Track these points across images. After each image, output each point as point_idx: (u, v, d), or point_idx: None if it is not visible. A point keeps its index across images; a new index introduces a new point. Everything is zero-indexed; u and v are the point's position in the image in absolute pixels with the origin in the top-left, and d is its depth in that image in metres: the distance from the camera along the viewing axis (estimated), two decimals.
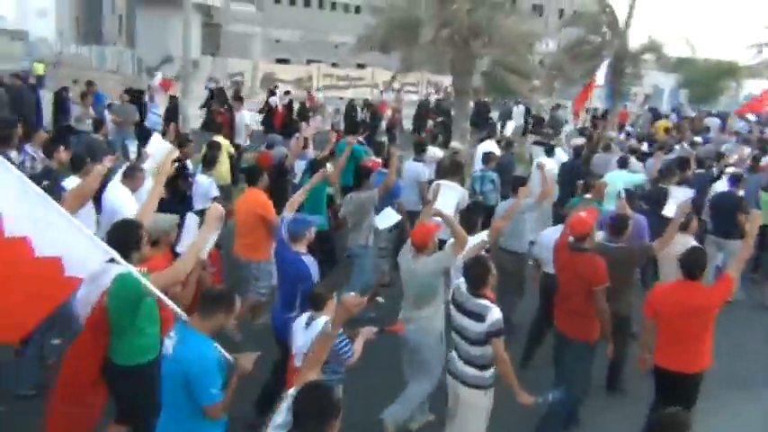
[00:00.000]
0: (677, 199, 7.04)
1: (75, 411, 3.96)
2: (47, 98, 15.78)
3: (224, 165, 9.22)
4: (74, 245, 3.48)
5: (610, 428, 5.59)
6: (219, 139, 9.66)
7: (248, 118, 13.70)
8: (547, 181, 7.08)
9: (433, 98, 26.74)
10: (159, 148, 8.02)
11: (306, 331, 4.14)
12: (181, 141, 8.47)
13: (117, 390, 4.07)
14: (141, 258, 3.99)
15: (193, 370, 3.27)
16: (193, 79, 17.74)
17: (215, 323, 3.43)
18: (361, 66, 32.64)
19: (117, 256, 3.65)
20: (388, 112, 20.78)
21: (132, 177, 6.10)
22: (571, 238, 5.15)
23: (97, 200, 5.88)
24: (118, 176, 6.17)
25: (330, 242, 7.84)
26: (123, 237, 3.93)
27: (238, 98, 15.31)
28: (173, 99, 15.96)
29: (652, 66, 24.23)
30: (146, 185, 6.03)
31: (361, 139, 11.00)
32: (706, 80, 37.17)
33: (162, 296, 3.68)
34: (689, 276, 4.64)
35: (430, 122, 20.31)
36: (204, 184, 7.42)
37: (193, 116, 16.27)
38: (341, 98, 24.67)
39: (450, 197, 6.68)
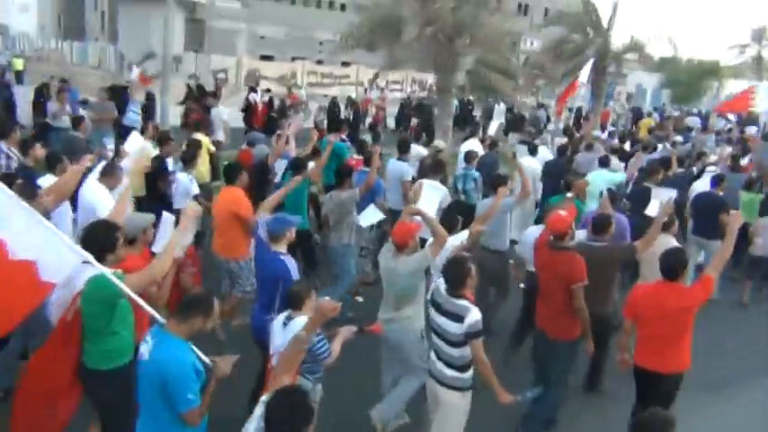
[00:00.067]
0: (660, 199, 7.05)
1: (40, 416, 3.86)
2: (23, 93, 15.54)
3: (204, 163, 9.12)
4: (48, 249, 3.43)
5: (587, 430, 5.57)
6: (199, 136, 9.55)
7: (225, 114, 13.50)
8: (525, 180, 7.05)
9: (415, 96, 26.74)
10: (137, 147, 7.96)
11: (284, 331, 4.07)
12: (161, 139, 8.38)
13: (93, 394, 3.99)
14: (116, 260, 3.90)
15: (170, 375, 3.21)
16: (174, 76, 17.53)
17: (192, 327, 3.36)
18: (345, 63, 32.58)
19: (91, 258, 3.59)
20: (372, 110, 20.74)
21: (110, 175, 6.02)
22: (551, 237, 5.13)
23: (73, 198, 5.79)
24: (95, 174, 6.07)
25: (310, 242, 7.79)
26: (99, 238, 3.85)
27: (212, 94, 15.14)
28: (149, 96, 15.75)
29: (635, 65, 24.43)
30: (123, 183, 5.95)
31: (343, 136, 10.94)
32: (689, 80, 37.67)
33: (138, 299, 3.61)
34: (669, 277, 4.63)
35: (414, 120, 20.31)
36: (185, 183, 7.35)
37: (173, 113, 16.10)
38: (325, 95, 24.59)
39: (432, 196, 6.66)
